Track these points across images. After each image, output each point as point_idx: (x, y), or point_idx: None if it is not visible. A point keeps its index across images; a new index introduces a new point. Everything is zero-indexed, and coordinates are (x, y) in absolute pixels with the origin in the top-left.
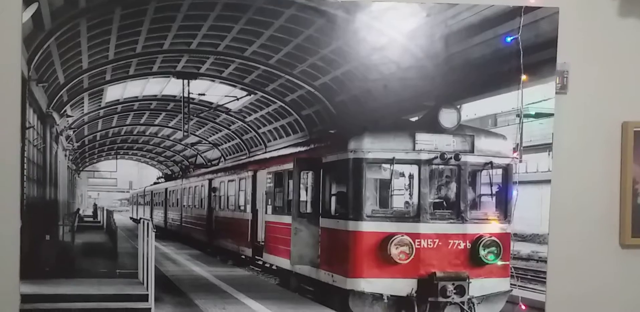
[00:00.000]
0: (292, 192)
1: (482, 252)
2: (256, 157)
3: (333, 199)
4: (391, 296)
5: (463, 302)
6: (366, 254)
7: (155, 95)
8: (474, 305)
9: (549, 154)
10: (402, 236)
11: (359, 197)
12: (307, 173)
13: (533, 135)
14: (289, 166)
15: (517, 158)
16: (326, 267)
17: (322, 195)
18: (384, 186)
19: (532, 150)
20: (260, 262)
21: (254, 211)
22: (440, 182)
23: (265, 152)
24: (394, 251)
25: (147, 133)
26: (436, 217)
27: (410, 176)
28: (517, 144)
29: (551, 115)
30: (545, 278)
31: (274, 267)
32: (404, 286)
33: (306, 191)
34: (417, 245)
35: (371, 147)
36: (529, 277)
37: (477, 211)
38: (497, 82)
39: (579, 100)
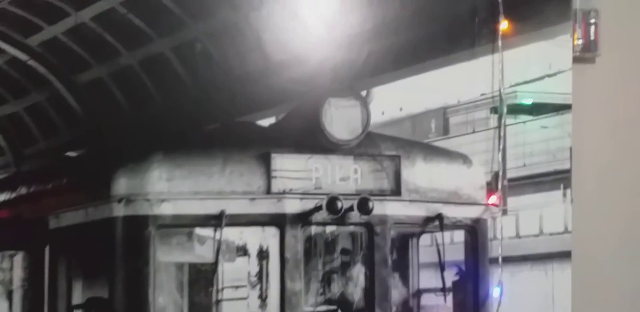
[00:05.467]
0: None
1: None
2: None
3: None
4: None
5: None
6: None
7: None
8: None
9: (563, 194)
10: None
11: (140, 309)
12: (11, 258)
13: (528, 152)
14: None
15: (496, 206)
16: None
17: (50, 307)
18: (201, 281)
19: (528, 186)
20: None
21: None
22: (331, 266)
23: None
24: None
25: None
26: None
27: (262, 254)
28: (495, 173)
29: (566, 107)
30: None
31: None
32: None
33: (8, 300)
34: None
35: (169, 188)
36: None
37: None
38: (448, 36)
39: (618, 73)
